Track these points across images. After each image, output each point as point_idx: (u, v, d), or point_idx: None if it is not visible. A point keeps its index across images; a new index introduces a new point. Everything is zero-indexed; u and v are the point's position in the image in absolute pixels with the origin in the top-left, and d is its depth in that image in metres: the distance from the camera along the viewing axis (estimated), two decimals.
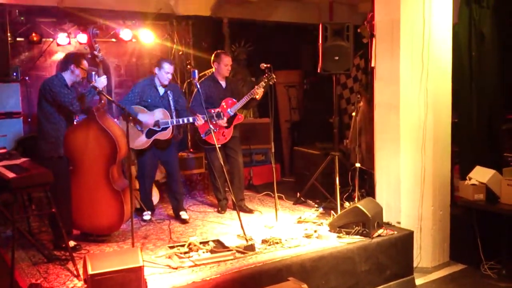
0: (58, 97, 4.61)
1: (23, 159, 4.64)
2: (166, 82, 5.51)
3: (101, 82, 4.75)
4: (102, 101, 4.81)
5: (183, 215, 5.66)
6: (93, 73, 4.64)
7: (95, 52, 4.83)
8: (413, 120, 5.18)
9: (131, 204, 4.42)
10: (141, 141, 5.49)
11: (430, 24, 5.08)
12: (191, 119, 5.51)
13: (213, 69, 5.96)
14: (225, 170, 5.20)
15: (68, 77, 4.74)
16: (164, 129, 5.48)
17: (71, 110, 4.66)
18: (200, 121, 5.50)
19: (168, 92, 5.57)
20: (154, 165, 5.80)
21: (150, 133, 5.48)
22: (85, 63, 4.78)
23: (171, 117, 5.50)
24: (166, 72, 5.44)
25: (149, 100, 5.50)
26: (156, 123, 5.45)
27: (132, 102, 5.45)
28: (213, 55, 5.93)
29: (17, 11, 7.06)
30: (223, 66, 5.82)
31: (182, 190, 5.94)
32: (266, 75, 5.57)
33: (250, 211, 5.98)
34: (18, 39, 7.32)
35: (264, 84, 5.64)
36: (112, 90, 8.03)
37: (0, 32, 6.73)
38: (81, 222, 4.87)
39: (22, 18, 7.16)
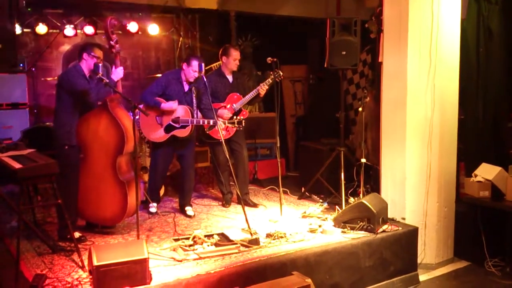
0: (74, 86, 4.62)
1: (29, 150, 4.65)
2: (191, 80, 5.44)
3: (117, 73, 4.73)
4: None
5: (189, 211, 5.64)
6: (100, 64, 4.61)
7: (112, 43, 4.79)
8: (419, 116, 5.16)
9: (136, 197, 4.42)
10: (158, 134, 5.46)
11: (439, 19, 5.05)
12: (211, 122, 5.39)
13: (220, 63, 5.93)
14: (230, 163, 5.19)
15: (84, 66, 4.74)
16: (183, 126, 5.42)
17: (87, 100, 4.65)
18: (221, 125, 5.30)
19: (193, 89, 5.51)
20: (168, 161, 5.74)
21: (168, 128, 5.45)
22: (97, 51, 4.75)
23: (193, 116, 5.43)
24: (193, 70, 5.35)
25: (173, 94, 5.44)
26: (176, 120, 5.41)
27: (156, 95, 5.42)
28: (221, 49, 5.88)
29: (24, 2, 7.06)
30: (231, 61, 5.77)
31: (192, 186, 5.85)
32: (273, 71, 5.51)
33: (254, 205, 5.98)
34: (25, 30, 7.33)
35: (270, 81, 5.61)
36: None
37: (7, 23, 6.73)
38: (86, 211, 4.88)
39: (29, 9, 7.19)
